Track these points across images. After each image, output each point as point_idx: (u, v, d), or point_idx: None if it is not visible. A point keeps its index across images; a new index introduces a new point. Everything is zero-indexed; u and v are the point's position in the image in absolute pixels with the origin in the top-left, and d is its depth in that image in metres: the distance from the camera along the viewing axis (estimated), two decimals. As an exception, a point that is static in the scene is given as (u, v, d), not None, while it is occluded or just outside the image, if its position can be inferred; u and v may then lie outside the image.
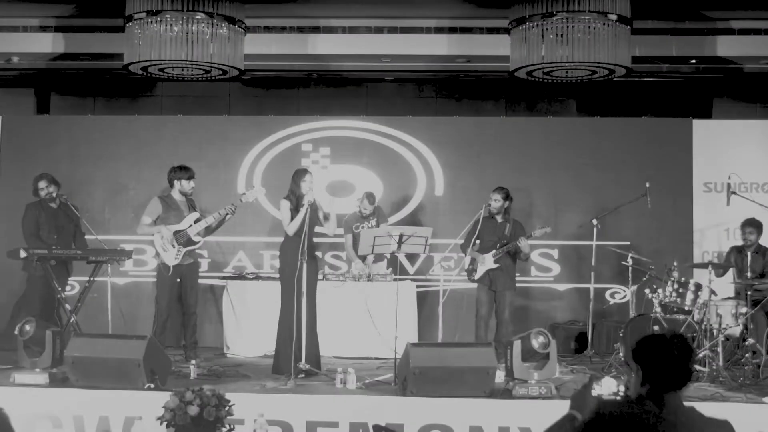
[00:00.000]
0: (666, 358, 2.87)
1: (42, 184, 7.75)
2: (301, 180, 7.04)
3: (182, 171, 7.65)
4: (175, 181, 7.64)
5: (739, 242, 8.15)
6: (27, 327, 6.45)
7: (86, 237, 7.97)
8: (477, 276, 7.90)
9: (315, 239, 7.33)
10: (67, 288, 7.95)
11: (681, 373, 2.87)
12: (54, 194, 7.75)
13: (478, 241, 7.91)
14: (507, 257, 7.89)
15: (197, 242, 7.58)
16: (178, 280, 7.59)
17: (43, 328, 6.47)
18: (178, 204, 7.64)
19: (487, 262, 7.86)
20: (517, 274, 8.71)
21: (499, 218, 7.95)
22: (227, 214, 7.42)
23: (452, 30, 9.09)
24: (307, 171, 7.21)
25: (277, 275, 8.43)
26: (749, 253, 7.82)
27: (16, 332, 6.53)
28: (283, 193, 7.21)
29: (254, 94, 10.07)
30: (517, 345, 6.26)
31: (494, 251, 7.85)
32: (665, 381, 2.86)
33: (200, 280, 8.03)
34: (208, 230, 7.61)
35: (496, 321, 7.94)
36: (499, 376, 6.35)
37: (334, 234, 7.55)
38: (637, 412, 2.80)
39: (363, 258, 8.38)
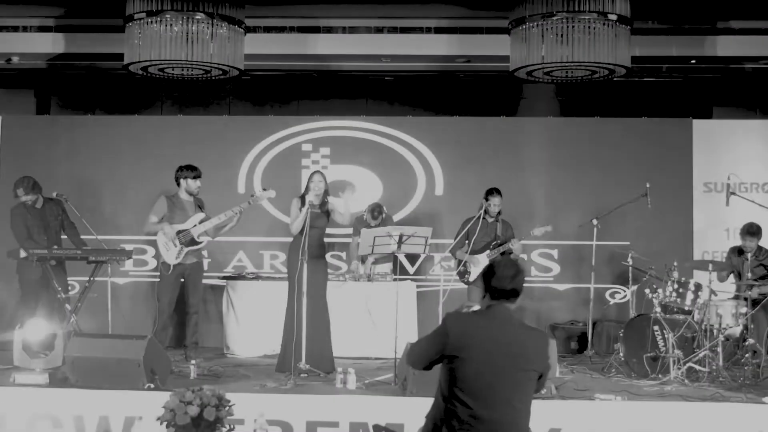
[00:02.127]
0: (496, 275, 3.71)
1: (20, 192, 7.69)
2: (309, 180, 7.12)
3: (188, 170, 7.67)
4: (181, 180, 7.66)
5: (739, 243, 8.13)
6: (36, 328, 6.44)
7: (87, 237, 7.95)
8: (472, 278, 7.87)
9: (326, 239, 7.32)
10: (69, 289, 7.93)
11: (507, 288, 3.70)
12: (31, 201, 7.70)
13: (466, 242, 7.89)
14: (500, 258, 7.89)
15: (201, 242, 7.59)
16: (182, 279, 7.61)
17: (51, 329, 6.47)
18: (184, 204, 7.65)
19: (482, 262, 7.85)
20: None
21: (489, 218, 7.93)
22: (234, 215, 7.43)
23: (452, 30, 9.09)
24: (317, 172, 7.24)
25: (277, 275, 8.50)
26: (749, 255, 7.81)
27: (20, 332, 6.52)
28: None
29: (254, 94, 10.07)
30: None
31: (488, 251, 7.84)
32: (495, 293, 3.71)
33: (203, 281, 8.03)
34: (217, 230, 7.61)
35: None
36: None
37: (350, 222, 7.52)
38: (474, 319, 3.71)
39: (363, 259, 8.39)
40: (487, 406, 3.53)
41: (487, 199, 7.87)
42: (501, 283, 3.69)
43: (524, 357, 3.61)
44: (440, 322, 3.76)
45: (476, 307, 3.82)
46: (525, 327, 3.78)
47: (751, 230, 7.79)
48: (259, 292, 8.27)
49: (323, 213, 7.12)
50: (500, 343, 3.59)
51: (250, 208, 7.70)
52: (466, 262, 7.87)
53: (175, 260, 7.48)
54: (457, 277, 8.02)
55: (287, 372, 6.66)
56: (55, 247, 7.59)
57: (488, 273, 3.74)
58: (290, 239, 7.23)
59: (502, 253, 7.88)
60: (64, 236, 7.98)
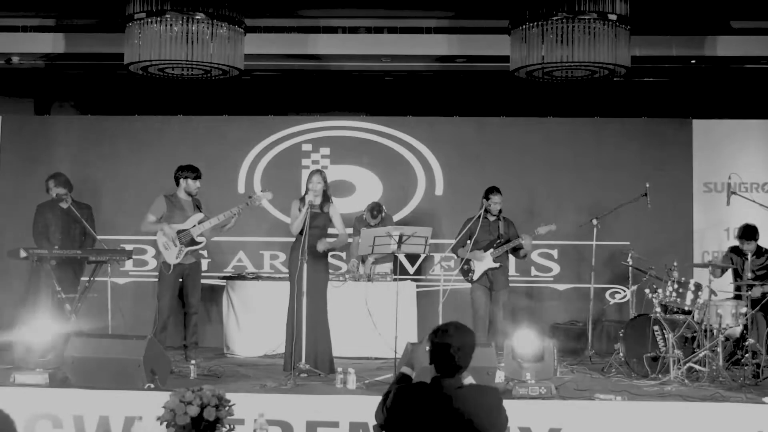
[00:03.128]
0: (440, 351, 3.60)
1: (51, 183, 7.77)
2: (309, 181, 7.07)
3: (189, 170, 7.68)
4: (181, 180, 7.66)
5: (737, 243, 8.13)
6: (37, 328, 6.43)
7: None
8: (476, 276, 7.88)
9: (328, 240, 7.31)
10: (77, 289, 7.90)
11: (450, 366, 3.59)
12: (62, 195, 7.74)
13: (469, 242, 7.90)
14: (505, 256, 7.90)
15: (200, 242, 7.60)
16: (180, 279, 7.61)
17: (53, 329, 6.47)
18: (183, 204, 7.66)
19: (486, 261, 7.85)
20: (517, 274, 8.72)
21: (491, 217, 7.94)
22: (232, 216, 7.43)
23: (452, 30, 9.08)
24: (317, 172, 7.18)
25: (277, 275, 8.49)
26: (749, 255, 7.81)
27: (21, 332, 6.51)
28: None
29: (254, 94, 10.07)
30: (507, 344, 6.31)
31: (492, 250, 7.84)
32: (439, 369, 3.60)
33: (201, 280, 8.02)
34: (215, 230, 7.61)
35: (489, 320, 7.94)
36: (499, 376, 6.35)
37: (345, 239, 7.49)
38: (424, 393, 3.59)
39: (363, 258, 8.38)
40: None
41: (487, 198, 7.87)
42: (445, 361, 3.60)
43: (479, 423, 3.54)
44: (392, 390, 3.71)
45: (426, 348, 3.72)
46: (475, 392, 3.66)
47: (748, 234, 7.82)
48: (259, 292, 8.27)
49: (323, 213, 7.11)
50: (450, 417, 3.52)
51: (250, 209, 7.69)
52: (469, 260, 7.89)
53: (175, 260, 7.49)
54: (461, 276, 8.02)
55: (290, 372, 6.66)
56: (56, 247, 7.58)
57: (434, 345, 3.63)
58: (290, 239, 7.23)
59: (513, 249, 7.89)
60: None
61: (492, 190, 7.93)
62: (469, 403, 3.56)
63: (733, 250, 8.11)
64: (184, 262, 7.54)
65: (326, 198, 7.12)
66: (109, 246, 8.06)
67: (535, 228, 7.99)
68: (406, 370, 3.91)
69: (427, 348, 3.71)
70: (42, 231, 7.71)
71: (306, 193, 7.08)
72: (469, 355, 3.64)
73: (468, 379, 3.73)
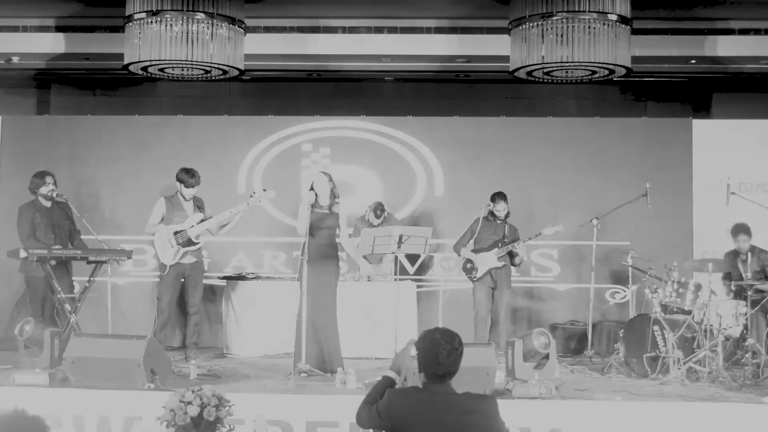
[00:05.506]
0: (428, 357, 3.51)
1: (49, 179, 7.66)
2: (314, 182, 7.03)
3: (187, 175, 7.59)
4: (178, 183, 7.65)
5: (733, 246, 8.13)
6: (26, 327, 6.43)
7: (87, 237, 7.94)
8: (479, 274, 7.90)
9: (337, 240, 7.28)
10: (74, 288, 7.89)
11: (439, 373, 3.51)
12: (54, 194, 7.70)
13: (471, 242, 7.92)
14: (507, 257, 7.94)
15: (198, 243, 7.58)
16: (182, 280, 7.61)
17: (42, 328, 6.44)
18: (183, 204, 7.64)
19: (490, 260, 7.87)
20: (517, 274, 8.72)
21: (498, 220, 7.98)
22: (233, 216, 7.40)
23: (452, 30, 9.09)
24: (321, 172, 7.14)
25: (277, 275, 8.46)
26: (746, 256, 7.82)
27: (15, 332, 6.50)
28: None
29: (254, 94, 10.08)
30: (518, 345, 6.27)
31: (496, 249, 7.87)
32: (428, 375, 3.52)
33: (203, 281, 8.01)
34: (219, 227, 7.56)
35: (491, 320, 7.95)
36: (499, 376, 6.34)
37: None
38: (415, 399, 3.52)
39: (369, 260, 8.37)
40: None
41: (491, 204, 7.93)
42: (433, 368, 3.51)
43: (475, 429, 3.44)
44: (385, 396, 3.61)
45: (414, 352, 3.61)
46: (468, 398, 3.55)
47: (745, 228, 7.89)
48: (259, 292, 8.27)
49: (332, 213, 7.05)
50: (445, 424, 3.41)
51: (251, 208, 7.68)
52: (472, 259, 7.92)
53: (171, 261, 7.47)
54: (461, 275, 8.03)
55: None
56: (59, 246, 7.55)
57: (422, 351, 3.54)
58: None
59: (509, 254, 7.92)
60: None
61: (494, 197, 7.98)
62: (466, 410, 3.48)
63: (729, 254, 8.12)
64: (183, 262, 7.53)
65: (334, 197, 7.08)
66: (109, 246, 8.05)
67: (542, 228, 8.01)
68: (390, 374, 3.82)
69: (413, 354, 3.62)
70: (30, 232, 7.62)
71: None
72: (458, 361, 3.53)
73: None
